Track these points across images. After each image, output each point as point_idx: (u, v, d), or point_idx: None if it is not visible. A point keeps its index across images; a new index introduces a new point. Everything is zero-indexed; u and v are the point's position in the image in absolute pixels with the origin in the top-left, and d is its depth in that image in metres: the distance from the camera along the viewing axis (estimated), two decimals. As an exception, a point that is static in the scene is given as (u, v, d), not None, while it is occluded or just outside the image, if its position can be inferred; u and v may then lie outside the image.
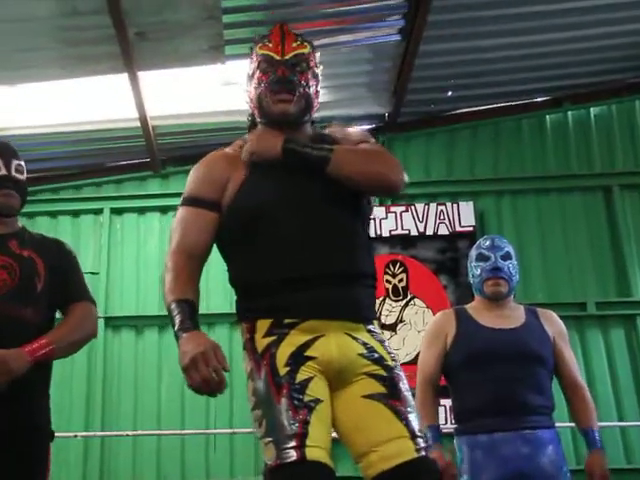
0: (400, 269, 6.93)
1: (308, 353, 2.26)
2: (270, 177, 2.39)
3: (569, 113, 7.56)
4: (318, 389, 2.24)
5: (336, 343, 2.29)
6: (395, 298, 6.84)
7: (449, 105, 7.47)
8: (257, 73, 2.50)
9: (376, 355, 2.33)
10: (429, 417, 3.34)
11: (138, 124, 6.64)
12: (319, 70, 2.60)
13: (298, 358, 2.25)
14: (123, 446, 6.49)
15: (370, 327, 2.38)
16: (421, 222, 7.02)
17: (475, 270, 3.46)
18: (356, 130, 2.67)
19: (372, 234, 6.90)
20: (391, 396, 2.27)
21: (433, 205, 7.10)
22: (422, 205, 7.09)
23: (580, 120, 7.54)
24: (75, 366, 6.40)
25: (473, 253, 3.52)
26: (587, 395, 3.38)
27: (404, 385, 2.32)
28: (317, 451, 2.13)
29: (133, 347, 6.87)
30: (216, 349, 2.14)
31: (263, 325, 2.32)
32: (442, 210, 7.06)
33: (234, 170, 2.43)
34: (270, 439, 2.17)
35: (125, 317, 6.94)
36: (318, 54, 2.59)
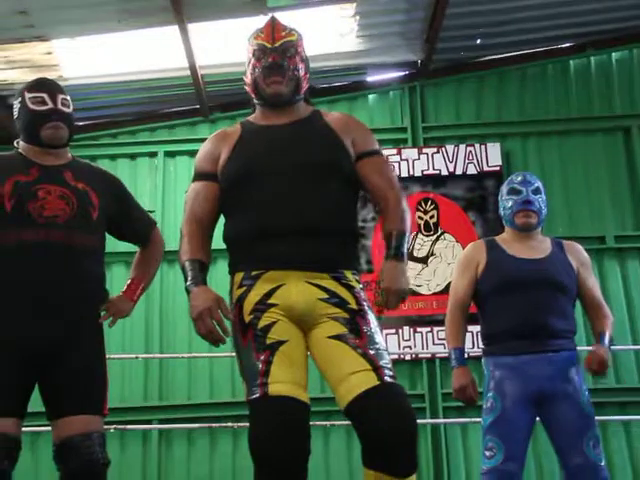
0: (431, 206, 6.91)
1: (270, 301, 2.37)
2: (253, 147, 2.51)
3: (592, 58, 7.38)
4: (282, 331, 2.34)
5: (296, 290, 2.37)
6: (427, 233, 6.82)
7: (478, 52, 7.34)
8: (252, 60, 2.59)
9: (337, 299, 2.38)
10: (455, 340, 3.37)
11: (188, 73, 6.64)
12: (305, 55, 2.66)
13: (262, 305, 2.37)
14: (179, 367, 6.62)
15: (337, 275, 2.41)
16: (451, 162, 6.97)
17: (507, 203, 3.44)
18: (365, 130, 2.65)
19: (405, 174, 6.93)
20: (352, 335, 2.32)
21: (462, 146, 7.03)
22: (452, 146, 7.03)
23: (602, 65, 7.37)
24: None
25: (505, 188, 3.50)
26: (608, 312, 3.42)
27: (367, 326, 2.36)
28: (279, 386, 2.24)
29: (187, 278, 6.95)
30: (220, 302, 2.32)
31: (238, 278, 2.45)
32: (471, 151, 6.99)
33: (226, 143, 2.56)
34: (242, 379, 2.35)
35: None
36: (303, 42, 2.66)
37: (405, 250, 2.41)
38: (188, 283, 2.39)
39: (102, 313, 2.82)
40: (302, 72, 2.60)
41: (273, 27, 2.59)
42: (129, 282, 2.98)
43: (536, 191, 3.42)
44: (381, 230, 2.51)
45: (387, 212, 2.49)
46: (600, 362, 3.26)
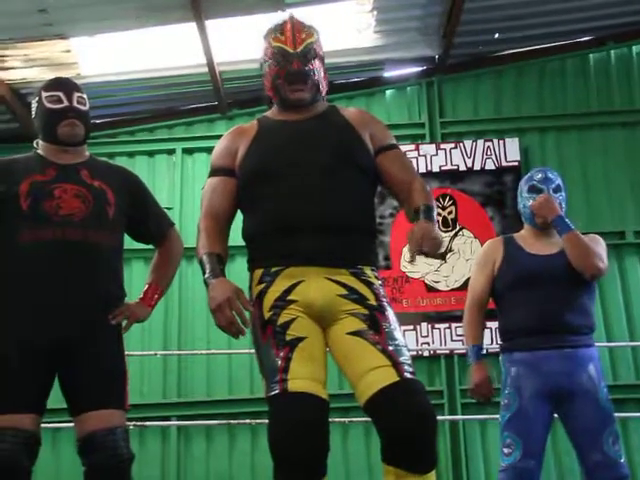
0: (449, 202, 6.89)
1: (290, 297, 2.36)
2: (271, 142, 2.51)
3: (612, 52, 7.32)
4: (301, 328, 2.33)
5: (315, 287, 2.36)
6: (445, 229, 6.81)
7: (496, 47, 7.31)
8: (272, 64, 2.56)
9: (356, 296, 2.37)
10: (473, 337, 3.38)
11: (206, 70, 6.65)
12: (322, 52, 2.65)
13: (281, 302, 2.36)
14: (198, 363, 6.65)
15: (356, 271, 2.40)
16: (469, 158, 6.95)
17: (527, 201, 3.41)
18: (382, 125, 2.68)
19: (423, 170, 6.90)
20: (371, 331, 2.32)
21: (481, 141, 7.01)
22: (470, 142, 7.01)
23: (622, 58, 7.31)
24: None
25: (525, 185, 3.46)
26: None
27: (387, 322, 2.36)
28: (298, 382, 2.24)
29: (205, 275, 6.96)
30: (239, 294, 2.31)
31: (257, 274, 2.45)
32: (489, 146, 6.97)
33: (244, 139, 2.56)
34: (262, 375, 2.34)
35: (197, 248, 7.01)
36: (320, 38, 2.64)
37: (435, 218, 2.37)
38: (206, 276, 2.37)
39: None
40: (322, 74, 2.60)
41: (293, 28, 2.56)
42: (146, 287, 2.98)
43: (557, 189, 3.40)
44: (405, 214, 2.48)
45: (412, 193, 2.45)
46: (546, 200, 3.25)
